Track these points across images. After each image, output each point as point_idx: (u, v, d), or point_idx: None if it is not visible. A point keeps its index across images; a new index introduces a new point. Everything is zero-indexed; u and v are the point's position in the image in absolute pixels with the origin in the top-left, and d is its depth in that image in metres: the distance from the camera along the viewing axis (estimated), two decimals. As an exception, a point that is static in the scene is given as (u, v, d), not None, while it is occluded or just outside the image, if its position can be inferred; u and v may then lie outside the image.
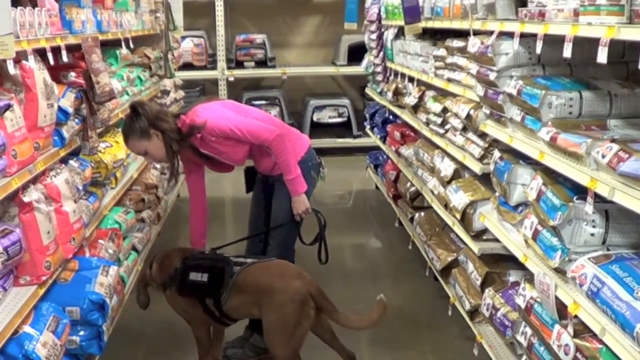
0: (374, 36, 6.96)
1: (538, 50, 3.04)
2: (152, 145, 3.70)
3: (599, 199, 2.59)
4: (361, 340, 4.33)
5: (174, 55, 7.17)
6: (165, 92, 6.65)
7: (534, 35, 3.06)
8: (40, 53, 3.26)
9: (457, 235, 4.43)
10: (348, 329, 3.61)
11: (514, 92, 3.20)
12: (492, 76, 3.44)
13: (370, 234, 6.57)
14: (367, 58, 7.70)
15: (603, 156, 2.48)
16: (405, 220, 5.81)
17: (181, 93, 7.41)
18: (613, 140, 2.51)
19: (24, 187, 2.99)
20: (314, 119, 9.41)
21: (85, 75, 3.77)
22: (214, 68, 9.43)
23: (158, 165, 6.01)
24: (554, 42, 3.01)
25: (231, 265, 3.55)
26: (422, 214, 5.34)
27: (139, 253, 4.88)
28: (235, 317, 3.69)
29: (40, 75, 3.14)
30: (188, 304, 3.64)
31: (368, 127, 7.81)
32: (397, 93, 6.19)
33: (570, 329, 2.63)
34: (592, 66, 3.28)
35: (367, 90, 8.00)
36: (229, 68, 9.39)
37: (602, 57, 2.45)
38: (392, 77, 6.60)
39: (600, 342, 2.47)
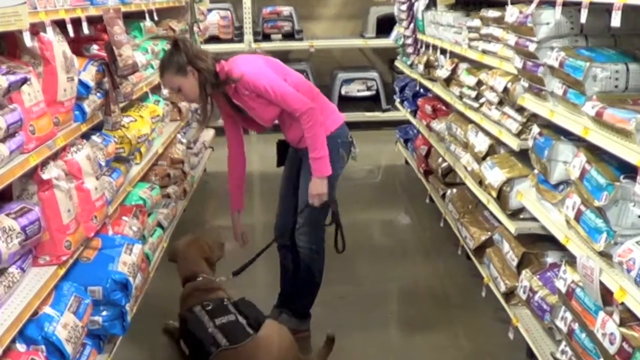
0: (404, 7, 6.76)
1: (582, 19, 2.85)
2: (187, 83, 3.64)
3: (648, 178, 2.43)
4: (391, 319, 4.24)
5: (200, 27, 7.05)
6: (191, 65, 6.53)
7: (577, 4, 2.88)
8: (60, 25, 3.15)
9: (491, 213, 4.28)
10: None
11: (556, 64, 3.03)
12: (531, 47, 3.27)
13: (400, 209, 6.43)
14: (397, 30, 7.52)
15: (655, 133, 2.32)
16: (437, 197, 5.65)
17: (207, 66, 7.29)
18: (665, 116, 2.34)
19: (43, 164, 2.88)
20: (342, 92, 9.24)
21: (107, 48, 3.66)
22: (241, 41, 9.28)
23: (184, 140, 5.92)
24: (597, 11, 2.83)
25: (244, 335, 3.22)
26: (455, 190, 5.18)
27: (165, 229, 4.80)
28: None
29: (59, 47, 3.03)
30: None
31: (398, 100, 7.64)
32: (429, 66, 6.01)
33: (616, 317, 2.48)
34: (637, 37, 3.09)
35: (397, 63, 7.83)
36: (255, 41, 9.24)
37: (654, 26, 2.27)
38: (423, 50, 6.42)
39: (649, 331, 2.33)
